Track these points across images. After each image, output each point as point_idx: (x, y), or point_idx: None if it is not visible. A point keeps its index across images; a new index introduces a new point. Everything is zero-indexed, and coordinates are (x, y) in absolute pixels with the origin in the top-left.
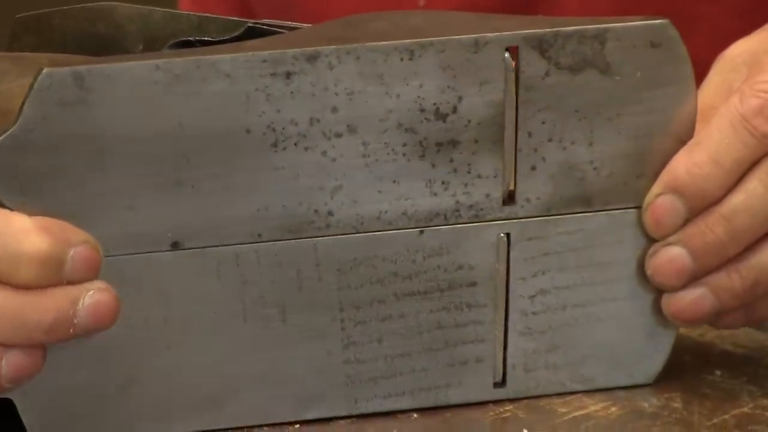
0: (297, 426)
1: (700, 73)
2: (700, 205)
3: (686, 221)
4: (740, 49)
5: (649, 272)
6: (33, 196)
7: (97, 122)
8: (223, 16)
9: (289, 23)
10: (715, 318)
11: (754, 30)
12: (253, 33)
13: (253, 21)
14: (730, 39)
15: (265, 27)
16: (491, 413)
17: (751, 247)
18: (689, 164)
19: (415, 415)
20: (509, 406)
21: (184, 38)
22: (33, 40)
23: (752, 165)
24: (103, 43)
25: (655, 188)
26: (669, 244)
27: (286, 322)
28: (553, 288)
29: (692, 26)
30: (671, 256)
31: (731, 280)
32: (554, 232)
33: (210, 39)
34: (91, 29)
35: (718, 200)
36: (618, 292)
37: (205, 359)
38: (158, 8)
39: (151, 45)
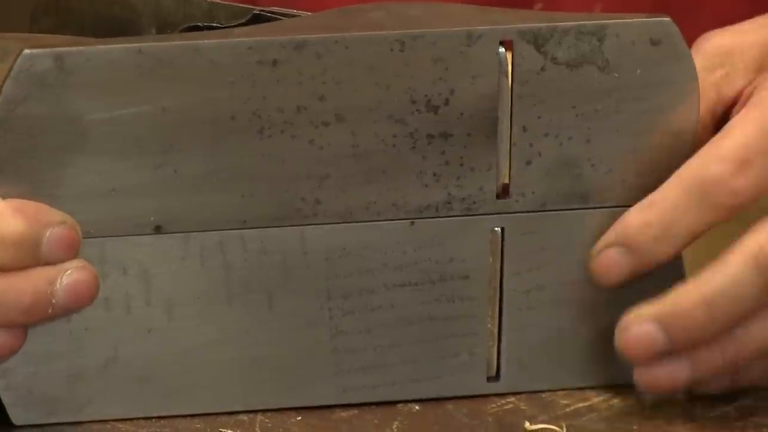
0: (299, 418)
1: None
2: (647, 264)
3: (631, 276)
4: (716, 43)
5: (617, 344)
6: (11, 177)
7: (77, 104)
8: (231, 3)
9: (294, 11)
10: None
11: (757, 12)
12: (259, 19)
13: (259, 8)
14: (732, 22)
15: (270, 14)
16: (493, 405)
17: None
18: (641, 223)
19: (417, 407)
20: (511, 398)
21: (194, 24)
22: (52, 22)
23: (704, 232)
24: (118, 26)
25: (606, 238)
26: (642, 319)
27: (272, 309)
28: (548, 283)
29: (695, 10)
30: (643, 333)
31: (713, 356)
32: (550, 228)
33: (218, 25)
34: (107, 12)
35: (665, 263)
36: (615, 288)
37: (189, 343)
38: None
39: (163, 29)
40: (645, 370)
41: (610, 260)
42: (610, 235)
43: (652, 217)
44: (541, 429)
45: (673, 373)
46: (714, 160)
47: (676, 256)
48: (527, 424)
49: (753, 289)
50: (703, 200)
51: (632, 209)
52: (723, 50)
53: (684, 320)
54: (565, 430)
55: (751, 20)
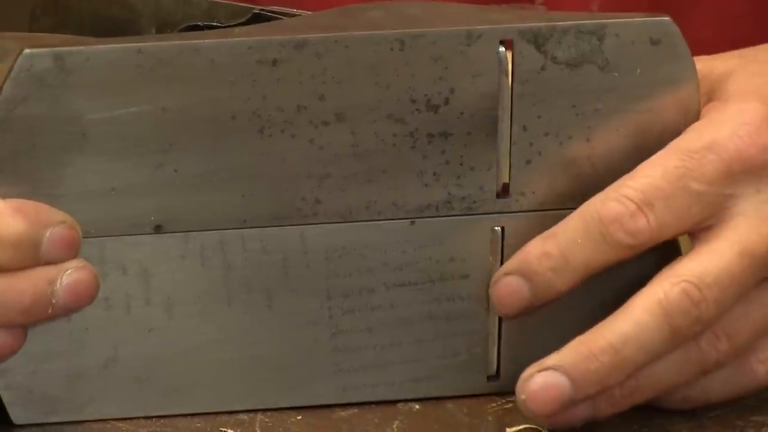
0: (299, 418)
1: (700, 53)
2: (544, 295)
3: (530, 306)
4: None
5: (520, 397)
6: (11, 177)
7: (77, 104)
8: (231, 2)
9: (293, 10)
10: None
11: (756, 11)
12: (259, 19)
13: (259, 7)
14: (731, 18)
15: (270, 13)
16: (493, 404)
17: None
18: (540, 253)
19: (417, 406)
20: (511, 398)
21: (194, 23)
22: (51, 22)
23: (603, 268)
24: (117, 26)
25: (507, 265)
26: (546, 368)
27: (272, 309)
28: None
29: (692, 7)
30: (549, 382)
31: (613, 393)
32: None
33: (218, 24)
34: (107, 12)
35: (562, 295)
36: (615, 288)
37: (189, 343)
38: None
39: (163, 29)
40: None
41: (509, 288)
42: (510, 263)
43: (551, 248)
44: (523, 429)
45: (571, 417)
46: (615, 199)
47: (572, 288)
48: (507, 430)
49: (660, 335)
50: (601, 237)
51: (534, 240)
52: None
53: (589, 365)
54: (545, 431)
55: (731, 52)
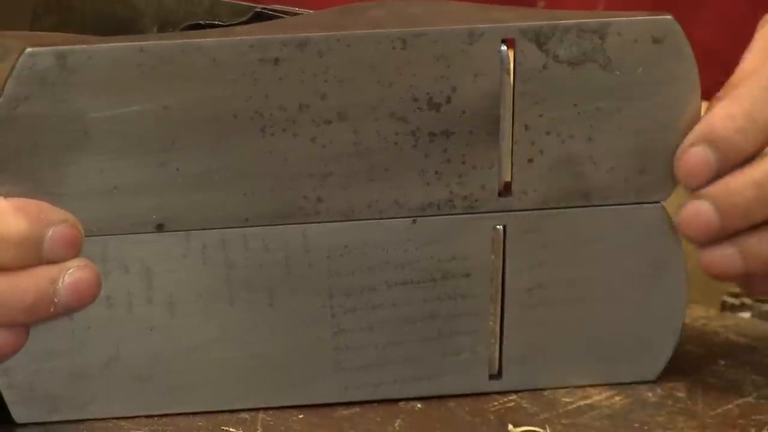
0: (301, 416)
1: (705, 57)
2: (732, 158)
3: (718, 173)
4: None
5: (677, 222)
6: (14, 176)
7: (79, 102)
8: (232, 1)
9: (295, 9)
10: (747, 283)
11: (760, 13)
12: (260, 17)
13: (261, 6)
14: (735, 22)
15: (272, 12)
16: (495, 403)
17: None
18: (724, 117)
19: (419, 405)
20: (513, 396)
21: (195, 22)
22: (53, 20)
23: None
24: (119, 24)
25: (690, 138)
26: (698, 197)
27: (274, 307)
28: (550, 281)
29: (696, 8)
30: (698, 210)
31: (761, 245)
32: (552, 226)
33: (220, 23)
34: (109, 11)
35: (750, 155)
36: (618, 288)
37: (190, 341)
38: None
39: (165, 28)
40: (704, 252)
41: (696, 158)
42: (693, 134)
43: (735, 110)
44: (527, 430)
45: (725, 260)
46: None
47: (758, 150)
48: (510, 427)
49: None
50: None
51: (715, 107)
52: None
53: (734, 199)
54: (548, 430)
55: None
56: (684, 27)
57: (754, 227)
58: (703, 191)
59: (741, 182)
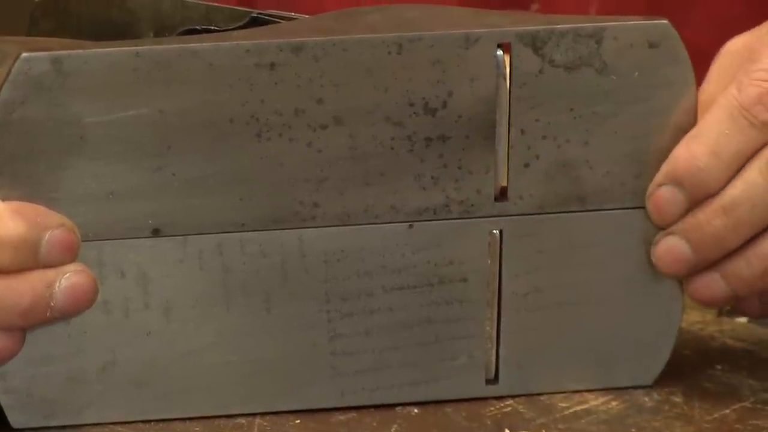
0: (297, 421)
1: (697, 57)
2: (700, 195)
3: (688, 210)
4: (739, 43)
5: (653, 259)
6: (10, 180)
7: (75, 107)
8: (229, 6)
9: (291, 14)
10: (742, 308)
11: (753, 15)
12: (257, 22)
13: (257, 11)
14: (727, 23)
15: (268, 17)
16: (492, 408)
17: (759, 235)
18: (688, 156)
19: (416, 410)
20: (510, 401)
21: (192, 27)
22: (51, 25)
23: (753, 154)
24: (116, 29)
25: (657, 178)
26: (669, 234)
27: (270, 312)
28: (547, 286)
29: (688, 9)
30: (671, 247)
31: (741, 267)
32: (549, 230)
33: (216, 28)
34: (106, 16)
35: (718, 191)
36: (614, 292)
37: (187, 346)
38: None
39: (161, 33)
40: (688, 281)
41: (664, 198)
42: (660, 175)
43: (698, 148)
44: None
45: (710, 284)
46: (750, 84)
47: (726, 183)
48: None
49: None
50: (746, 122)
51: (678, 146)
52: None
53: (705, 230)
54: None
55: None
56: (677, 28)
57: (733, 251)
58: (673, 227)
59: (709, 213)
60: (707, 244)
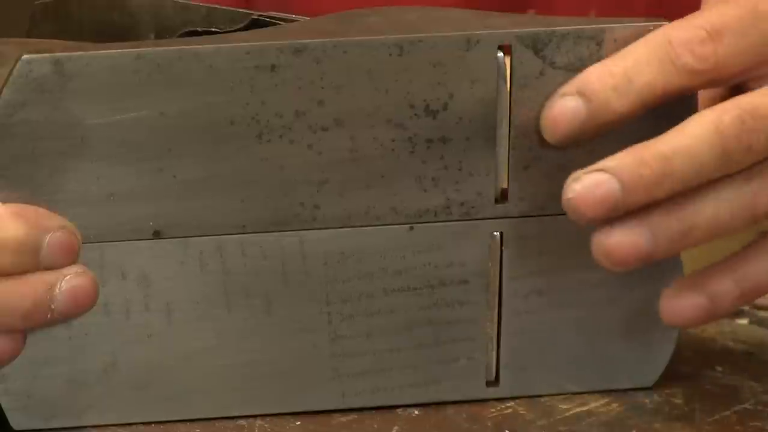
0: (298, 423)
1: None
2: (601, 116)
3: (582, 129)
4: None
5: (566, 197)
6: (11, 182)
7: (76, 109)
8: (229, 8)
9: (292, 16)
10: (709, 310)
11: None
12: (257, 24)
13: (258, 13)
14: None
15: (268, 19)
16: (492, 410)
17: (688, 194)
18: (603, 72)
19: (416, 412)
20: (510, 403)
21: (192, 29)
22: (51, 27)
23: (664, 94)
24: (117, 31)
25: (564, 88)
26: (597, 170)
27: (271, 314)
28: (548, 288)
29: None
30: (598, 181)
31: (668, 219)
32: (549, 232)
33: (217, 30)
34: (106, 18)
35: (618, 118)
36: (615, 294)
37: (188, 349)
38: None
39: (162, 35)
40: (604, 234)
41: (564, 108)
42: (569, 85)
43: (614, 67)
44: None
45: (632, 237)
46: (686, 25)
47: (630, 113)
48: None
49: (711, 152)
50: (668, 58)
51: (597, 63)
52: None
53: (640, 170)
54: None
55: None
56: None
57: (657, 203)
58: (604, 164)
59: (648, 154)
60: (639, 187)
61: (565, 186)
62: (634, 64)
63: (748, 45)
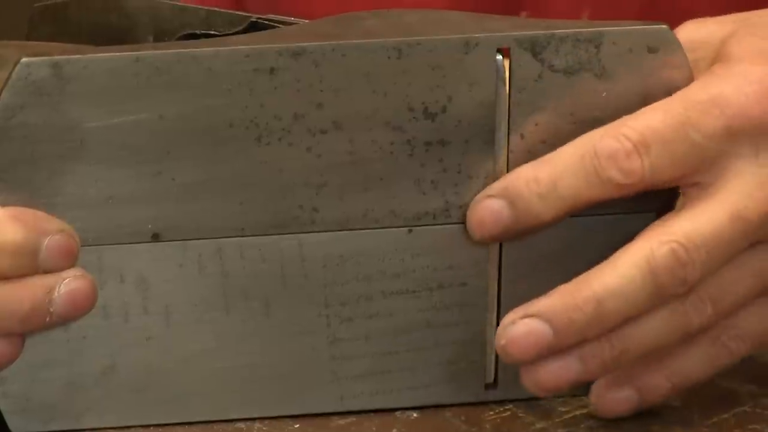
0: (297, 426)
1: None
2: (526, 222)
3: (508, 232)
4: (689, 35)
5: (500, 342)
6: (10, 185)
7: (75, 112)
8: (228, 11)
9: (290, 19)
10: (639, 402)
11: None
12: (256, 27)
13: (256, 16)
14: None
15: (267, 22)
16: (491, 412)
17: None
18: (530, 177)
19: (415, 414)
20: (509, 405)
21: (191, 31)
22: (50, 30)
23: (589, 203)
24: (115, 34)
25: (491, 189)
26: (530, 316)
27: (269, 317)
28: (546, 291)
29: (683, 14)
30: (530, 329)
31: (600, 347)
32: (548, 235)
33: (215, 33)
34: (105, 20)
35: (543, 224)
36: None
37: (186, 351)
38: (168, 1)
39: (161, 37)
40: (532, 369)
41: (489, 210)
42: (495, 186)
43: (541, 174)
44: None
45: (562, 368)
46: (613, 136)
47: (554, 219)
48: None
49: (644, 291)
50: (593, 170)
51: (525, 165)
52: (695, 40)
53: (572, 315)
54: None
55: (725, 16)
56: None
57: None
58: (535, 308)
59: (580, 298)
60: (571, 331)
61: (499, 329)
62: (561, 171)
63: (677, 156)
